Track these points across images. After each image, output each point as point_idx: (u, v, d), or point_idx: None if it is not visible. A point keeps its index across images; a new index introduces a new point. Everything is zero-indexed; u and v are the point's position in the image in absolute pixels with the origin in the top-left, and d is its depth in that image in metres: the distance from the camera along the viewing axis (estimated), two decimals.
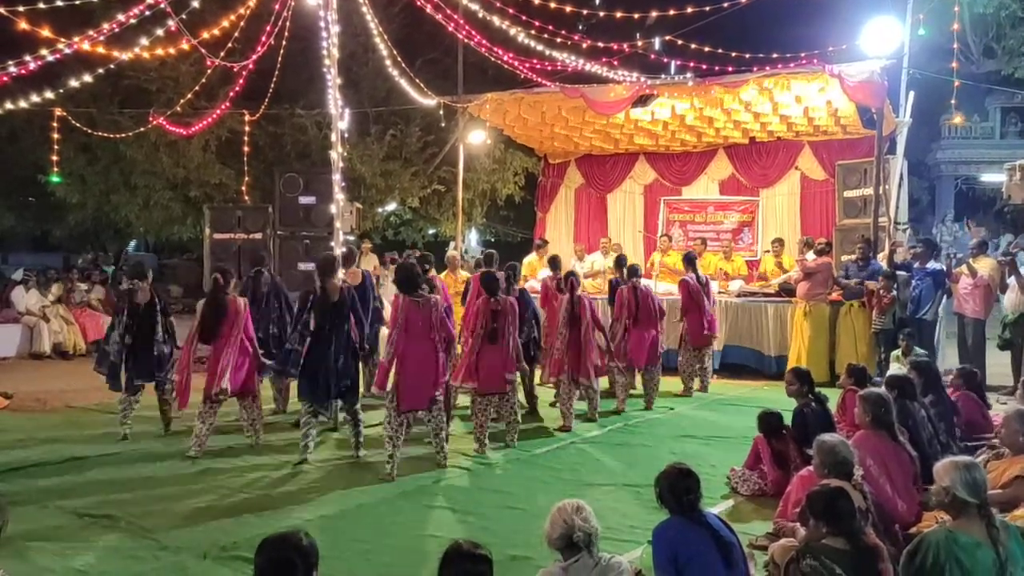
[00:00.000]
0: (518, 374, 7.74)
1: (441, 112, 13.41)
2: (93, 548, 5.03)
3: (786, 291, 11.57)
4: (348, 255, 8.95)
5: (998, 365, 10.45)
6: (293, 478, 6.55)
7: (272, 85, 11.99)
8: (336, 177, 8.60)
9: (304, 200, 11.03)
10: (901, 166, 12.17)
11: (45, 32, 8.32)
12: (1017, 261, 10.21)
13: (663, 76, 12.38)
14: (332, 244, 8.87)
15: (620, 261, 10.16)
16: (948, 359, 10.87)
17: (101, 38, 8.73)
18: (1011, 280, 10.07)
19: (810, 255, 11.38)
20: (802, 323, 10.90)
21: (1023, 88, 22.27)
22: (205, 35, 9.81)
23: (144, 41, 9.42)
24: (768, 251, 13.33)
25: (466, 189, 16.24)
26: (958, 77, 13.11)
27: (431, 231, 22.46)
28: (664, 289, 11.43)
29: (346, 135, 11.33)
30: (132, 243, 24.29)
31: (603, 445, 7.79)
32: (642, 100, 11.68)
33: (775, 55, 11.33)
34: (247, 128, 13.49)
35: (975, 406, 7.02)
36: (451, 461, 7.04)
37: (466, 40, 12.11)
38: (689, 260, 10.45)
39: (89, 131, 13.44)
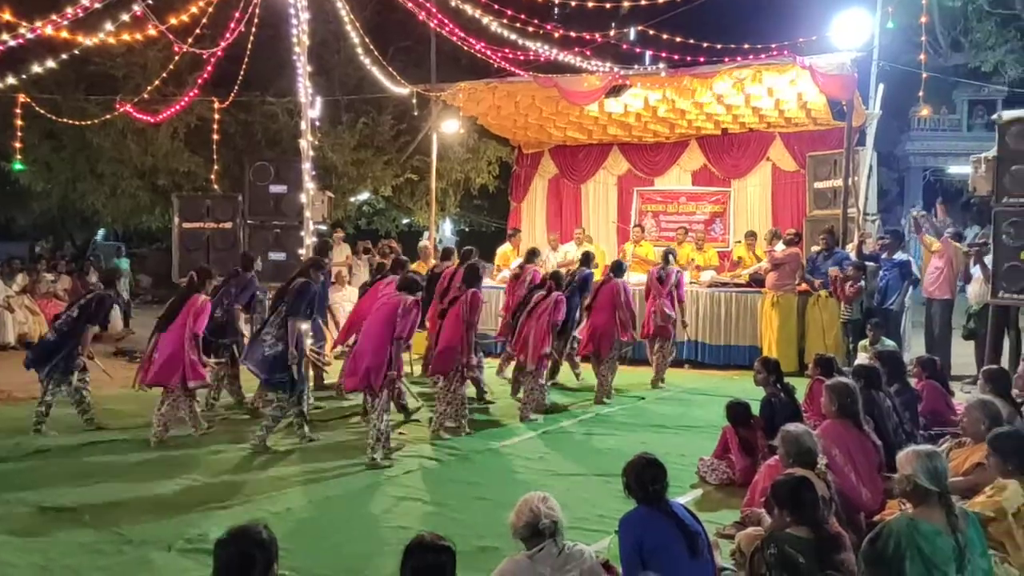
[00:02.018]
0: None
1: (414, 101, 13.32)
2: (56, 542, 4.97)
3: (756, 281, 11.67)
4: (322, 247, 8.85)
5: (963, 355, 10.60)
6: (261, 469, 6.52)
7: (242, 72, 11.83)
8: (306, 166, 8.53)
9: (275, 189, 10.91)
10: (870, 157, 12.29)
11: (7, 16, 8.13)
12: (982, 252, 10.29)
13: (636, 67, 12.45)
14: (302, 234, 8.80)
15: (586, 257, 10.23)
16: (915, 349, 11.00)
17: (65, 23, 8.54)
18: (975, 270, 10.19)
19: (779, 246, 11.47)
20: (771, 313, 11.01)
21: (990, 81, 22.52)
22: (173, 21, 9.63)
23: (110, 26, 9.22)
24: (740, 242, 13.50)
25: (439, 178, 16.15)
26: (926, 70, 13.18)
27: (404, 220, 22.37)
28: (637, 280, 11.46)
29: (317, 123, 11.19)
30: (100, 232, 23.95)
31: (573, 436, 7.80)
32: (615, 90, 11.69)
33: (747, 46, 11.38)
34: (216, 115, 13.31)
35: (939, 395, 7.10)
36: (419, 452, 7.04)
37: (439, 29, 12.02)
38: (664, 255, 10.49)
39: (54, 117, 13.20)
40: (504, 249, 13.62)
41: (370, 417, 6.71)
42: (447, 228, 27.19)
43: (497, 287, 11.95)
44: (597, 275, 9.97)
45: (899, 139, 32.28)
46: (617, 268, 9.58)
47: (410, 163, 17.69)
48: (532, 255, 10.33)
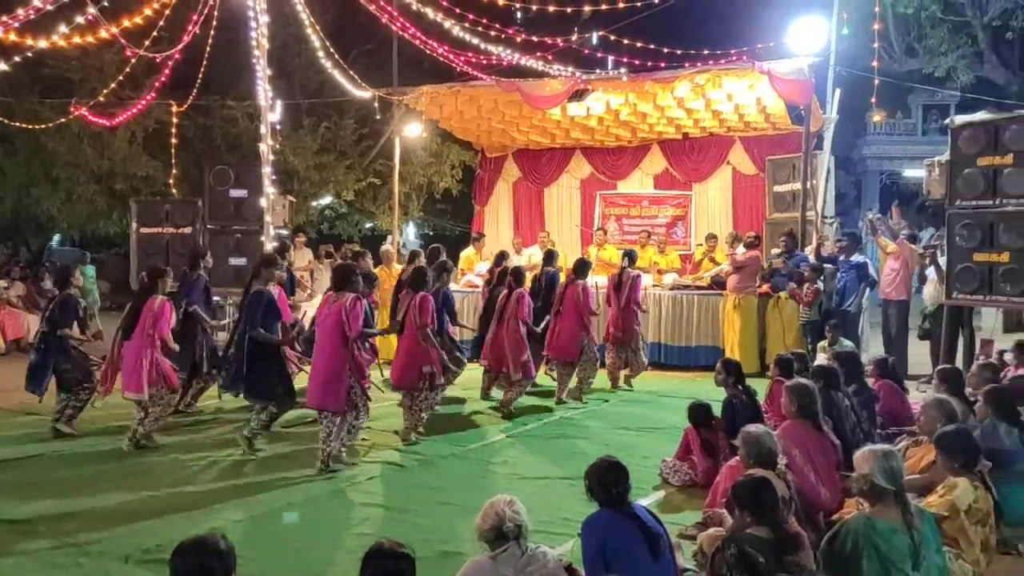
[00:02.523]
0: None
1: (376, 104, 13.30)
2: (11, 555, 4.85)
3: (717, 284, 11.80)
4: (280, 247, 8.78)
5: (919, 355, 10.76)
6: (221, 477, 6.44)
7: (200, 75, 11.70)
8: (267, 170, 8.48)
9: (235, 193, 10.81)
10: (828, 161, 12.47)
11: None
12: (937, 254, 10.49)
13: (598, 71, 12.46)
14: (263, 239, 8.75)
15: (550, 256, 10.27)
16: (872, 349, 11.14)
17: (16, 25, 8.36)
18: (930, 272, 10.35)
19: (740, 249, 11.60)
20: (732, 315, 11.12)
21: (943, 86, 22.97)
22: (127, 23, 9.48)
23: (64, 29, 9.06)
24: (701, 244, 13.62)
25: (402, 182, 16.18)
26: (881, 75, 13.54)
27: (367, 225, 22.29)
28: (603, 283, 11.38)
29: (278, 127, 11.17)
30: (56, 238, 23.48)
31: (537, 439, 7.82)
32: (577, 95, 11.77)
33: (706, 52, 11.53)
34: (175, 119, 13.14)
35: (895, 394, 7.20)
36: (383, 457, 7.00)
37: (401, 32, 12.02)
38: (625, 256, 10.47)
39: (6, 121, 12.92)
40: (467, 253, 13.64)
41: (324, 430, 6.51)
42: (410, 232, 27.13)
43: (462, 291, 11.96)
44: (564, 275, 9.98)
45: (856, 143, 32.80)
46: (579, 269, 9.57)
47: (373, 167, 17.65)
48: (502, 258, 10.34)
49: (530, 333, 8.72)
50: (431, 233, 25.95)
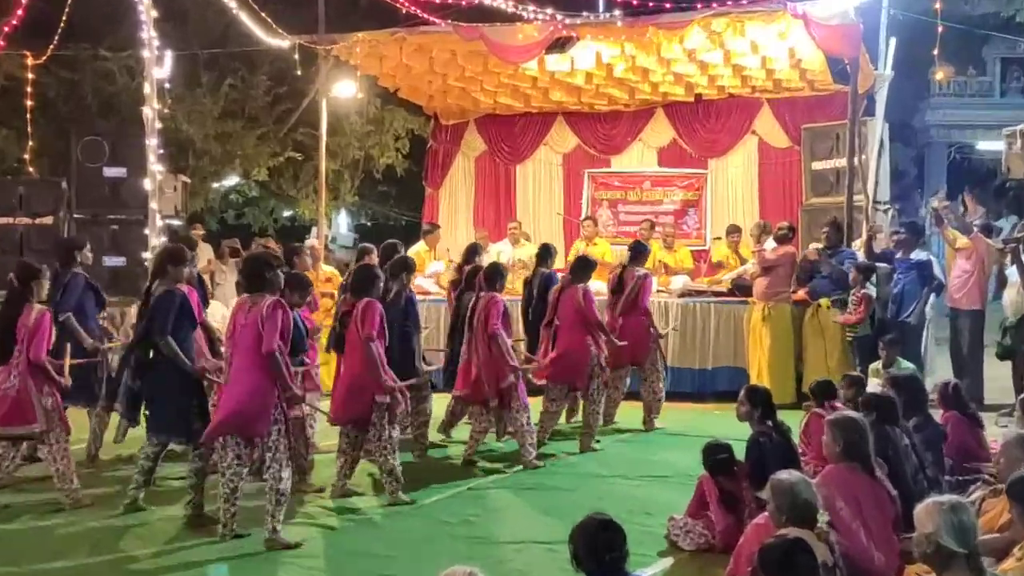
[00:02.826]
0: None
1: (297, 56, 13.23)
2: None
3: (741, 289, 11.85)
4: (186, 241, 8.64)
5: (998, 379, 10.82)
6: (117, 538, 6.47)
7: (64, 17, 11.57)
8: (152, 142, 8.43)
9: (110, 172, 10.76)
10: (881, 131, 12.52)
11: None
12: (1021, 250, 10.52)
13: (585, 14, 12.47)
14: (148, 231, 8.72)
15: (545, 253, 10.28)
16: (939, 371, 11.21)
17: None
18: (1012, 273, 10.42)
19: (769, 243, 11.63)
20: (760, 329, 11.19)
21: None
22: None
23: None
24: (719, 238, 13.71)
25: (331, 158, 16.12)
26: (947, 20, 13.70)
27: (286, 213, 22.26)
28: (597, 288, 11.32)
29: (167, 86, 11.07)
30: None
31: (510, 490, 7.82)
32: (559, 44, 11.78)
33: None
34: (30, 75, 12.97)
35: (968, 430, 7.27)
36: (312, 518, 7.01)
37: None
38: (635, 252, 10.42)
39: None
40: (418, 249, 13.45)
41: (270, 474, 6.44)
42: (342, 223, 27.07)
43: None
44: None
45: (917, 108, 32.96)
46: (579, 269, 9.58)
47: (292, 138, 17.61)
48: (473, 254, 10.32)
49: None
50: (369, 224, 26.00)
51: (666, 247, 13.35)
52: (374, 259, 9.75)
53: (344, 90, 14.25)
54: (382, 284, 7.83)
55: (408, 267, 8.99)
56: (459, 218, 15.86)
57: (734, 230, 13.24)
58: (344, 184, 19.14)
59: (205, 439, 6.59)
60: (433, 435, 9.28)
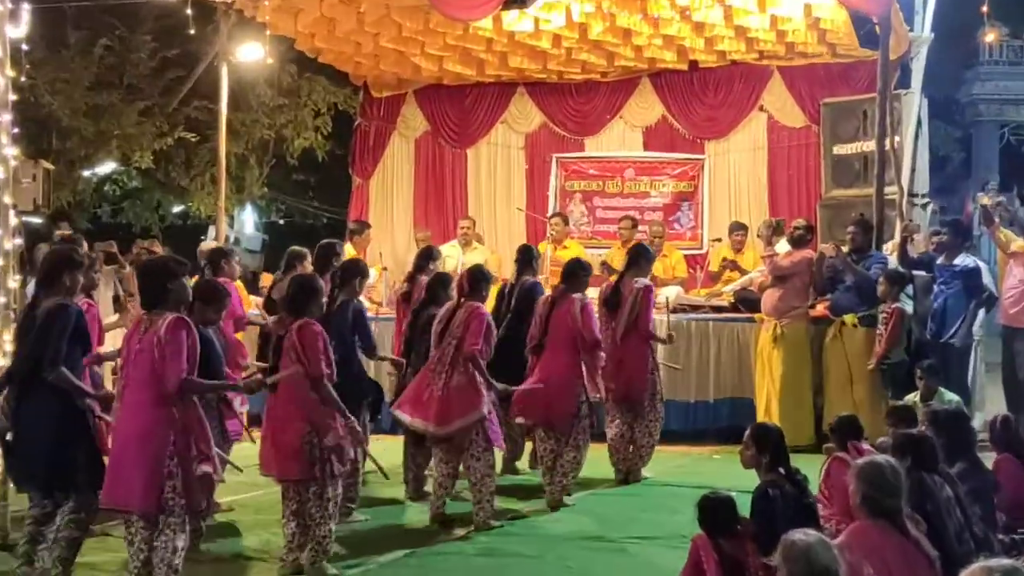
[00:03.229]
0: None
1: (189, 11, 13.04)
2: None
3: (746, 303, 11.90)
4: (71, 256, 8.44)
5: None
6: None
7: None
8: (5, 118, 8.32)
9: None
10: (919, 107, 12.64)
11: None
12: None
13: None
14: None
15: (528, 255, 10.41)
16: (990, 405, 11.27)
17: None
18: None
19: (781, 246, 11.68)
20: (771, 353, 11.22)
21: None
22: None
23: None
24: (720, 240, 13.80)
25: (234, 139, 16.02)
26: None
27: (176, 209, 22.05)
28: None
29: (24, 47, 10.90)
30: None
31: (455, 558, 7.80)
32: None
33: None
34: None
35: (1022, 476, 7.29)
36: None
37: None
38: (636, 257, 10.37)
39: None
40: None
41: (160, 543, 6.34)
42: (247, 221, 26.83)
43: None
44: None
45: (963, 78, 33.03)
46: (572, 276, 9.53)
47: (184, 114, 17.48)
48: (427, 259, 10.34)
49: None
50: (282, 222, 25.77)
51: (655, 251, 13.12)
52: (308, 267, 9.76)
53: (249, 53, 14.03)
54: (325, 298, 7.80)
55: (362, 273, 9.05)
56: (395, 215, 15.90)
57: (737, 228, 13.34)
58: (250, 172, 18.93)
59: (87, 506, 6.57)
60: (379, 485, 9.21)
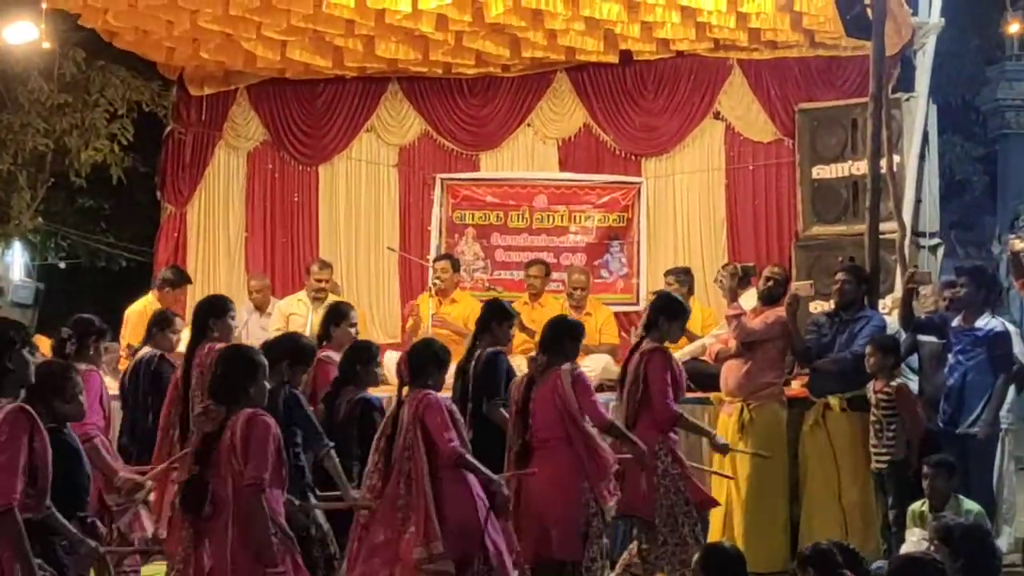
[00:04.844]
0: None
1: None
2: None
3: (699, 379, 11.04)
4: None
5: None
6: None
7: None
8: None
9: None
10: (926, 115, 12.17)
11: None
12: None
13: None
14: None
15: (502, 311, 9.54)
16: (1021, 516, 10.86)
17: None
18: None
19: (747, 298, 11.06)
20: (735, 445, 10.46)
21: None
22: None
23: None
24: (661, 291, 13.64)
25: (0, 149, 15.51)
26: None
27: None
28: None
29: None
30: None
31: None
32: None
33: None
34: None
35: None
36: None
37: None
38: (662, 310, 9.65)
39: None
40: (144, 304, 12.28)
41: None
42: (15, 263, 24.79)
43: None
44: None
45: (985, 79, 32.16)
46: (557, 341, 8.53)
47: None
48: (340, 317, 9.42)
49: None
50: (63, 266, 24.46)
51: (573, 306, 12.50)
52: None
53: (19, 34, 12.93)
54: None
55: (304, 353, 8.28)
56: (220, 256, 14.87)
57: (678, 273, 12.37)
58: (19, 197, 17.17)
59: None
60: None
